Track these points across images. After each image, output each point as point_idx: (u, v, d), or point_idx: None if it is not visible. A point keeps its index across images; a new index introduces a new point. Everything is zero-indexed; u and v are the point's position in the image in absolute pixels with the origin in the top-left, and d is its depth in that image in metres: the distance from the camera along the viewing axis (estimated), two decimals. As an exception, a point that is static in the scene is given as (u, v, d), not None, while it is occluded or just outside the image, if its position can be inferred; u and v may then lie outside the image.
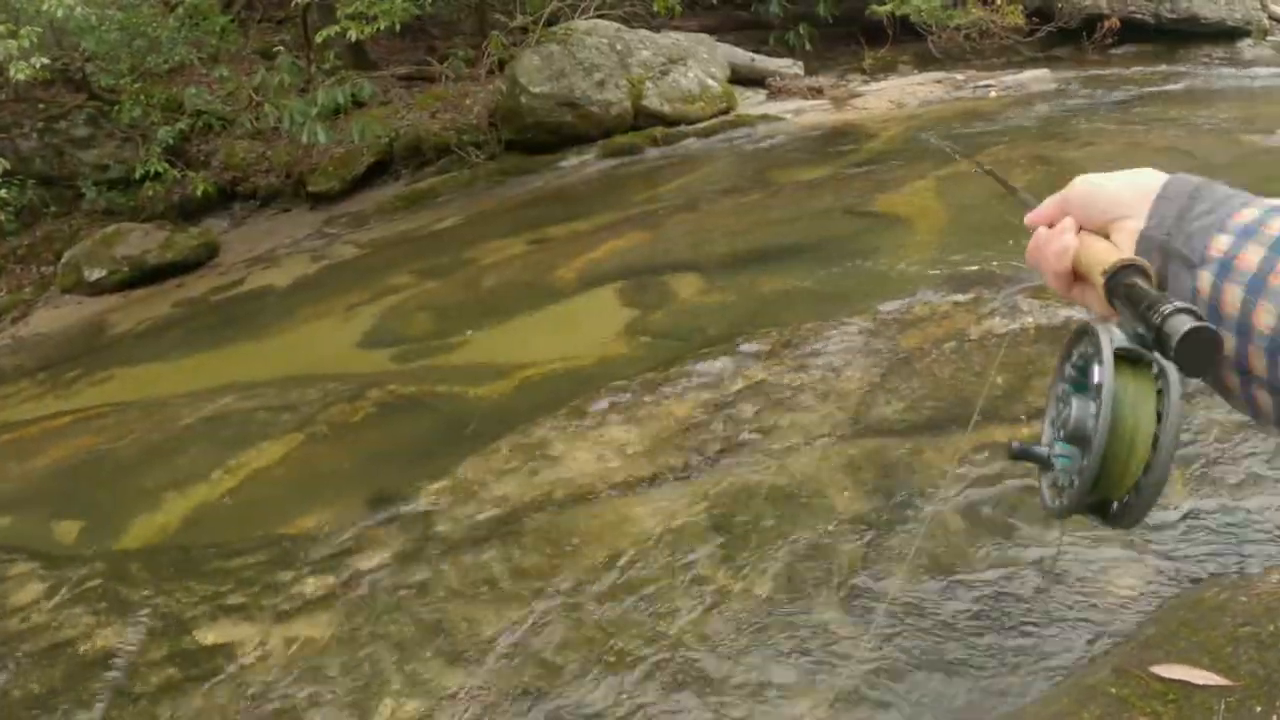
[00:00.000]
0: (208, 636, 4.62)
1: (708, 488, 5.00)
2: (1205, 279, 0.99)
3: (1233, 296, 0.96)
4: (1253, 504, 4.24)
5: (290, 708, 4.06)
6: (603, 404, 6.01)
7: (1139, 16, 15.97)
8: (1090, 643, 3.63)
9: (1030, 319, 6.11)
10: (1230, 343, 0.96)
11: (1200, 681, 3.18)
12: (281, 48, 13.76)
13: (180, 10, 12.99)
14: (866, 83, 15.55)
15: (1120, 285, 1.03)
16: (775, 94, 15.14)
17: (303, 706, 4.06)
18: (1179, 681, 3.20)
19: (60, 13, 10.26)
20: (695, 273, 8.26)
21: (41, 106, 13.68)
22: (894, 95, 14.56)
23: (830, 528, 4.54)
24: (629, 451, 5.45)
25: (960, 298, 6.65)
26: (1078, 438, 1.02)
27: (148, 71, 13.37)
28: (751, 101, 14.89)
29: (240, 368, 8.18)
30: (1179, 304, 0.94)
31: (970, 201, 9.01)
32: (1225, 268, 0.97)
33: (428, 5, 12.83)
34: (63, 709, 4.32)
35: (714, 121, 13.81)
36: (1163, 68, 14.92)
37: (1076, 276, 1.14)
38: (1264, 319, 0.93)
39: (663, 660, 3.91)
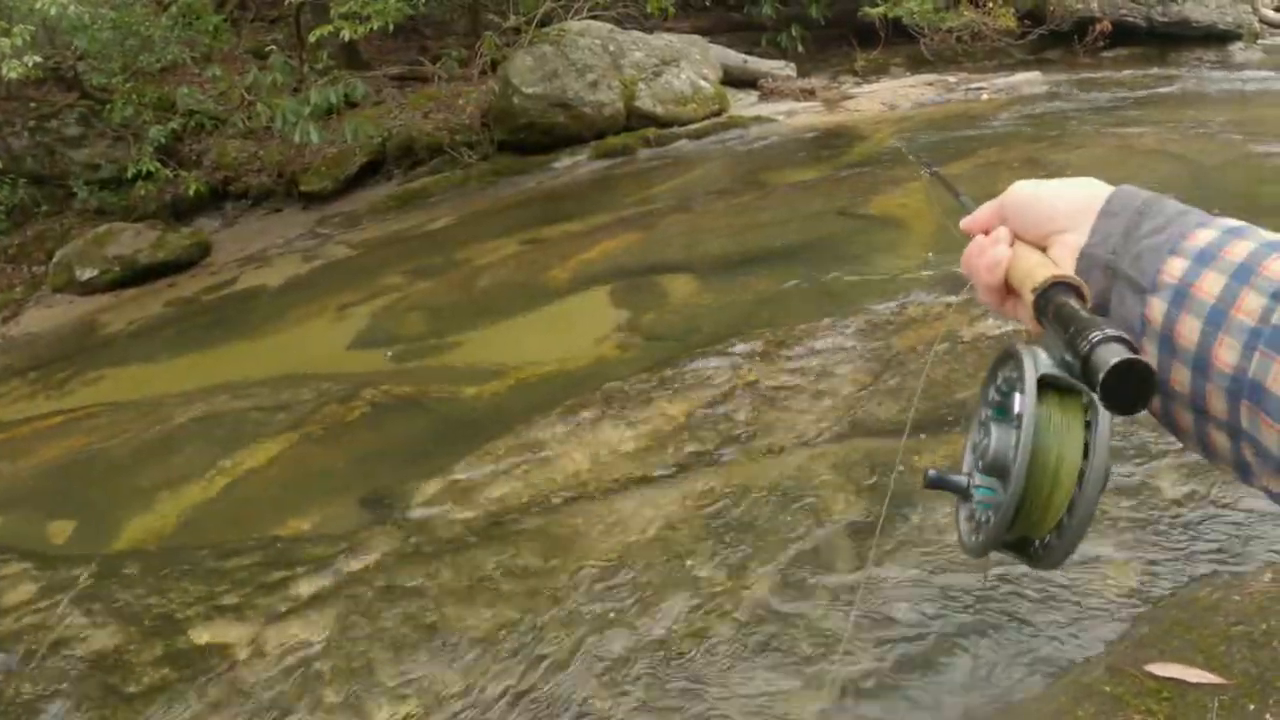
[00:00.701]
0: (201, 637, 4.61)
1: (701, 487, 5.01)
2: (1157, 307, 0.92)
3: (1189, 329, 0.89)
4: (1246, 503, 4.25)
5: (284, 708, 4.06)
6: (596, 404, 6.02)
7: (1130, 19, 16.00)
8: (1085, 641, 3.63)
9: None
10: (1184, 378, 0.90)
11: (1194, 680, 3.20)
12: (274, 47, 13.71)
13: (173, 9, 12.95)
14: (859, 84, 15.57)
15: (1050, 304, 0.97)
16: (767, 95, 15.16)
17: (297, 707, 4.05)
18: (1173, 680, 3.21)
19: (53, 11, 10.24)
20: (688, 274, 8.26)
21: (33, 105, 13.65)
22: (886, 97, 14.58)
23: (823, 528, 4.55)
24: (623, 451, 5.46)
25: (953, 299, 6.66)
26: (997, 469, 0.95)
27: (140, 70, 13.34)
28: (744, 103, 14.90)
29: (233, 368, 8.16)
30: (1110, 331, 0.87)
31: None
32: (1181, 296, 0.90)
33: (421, 5, 12.81)
34: (56, 709, 4.31)
35: (706, 123, 13.81)
36: (1154, 70, 14.97)
37: (1009, 290, 1.08)
38: (1225, 356, 0.86)
39: (657, 660, 3.91)
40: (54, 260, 11.72)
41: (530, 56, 13.42)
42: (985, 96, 14.11)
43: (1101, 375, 0.84)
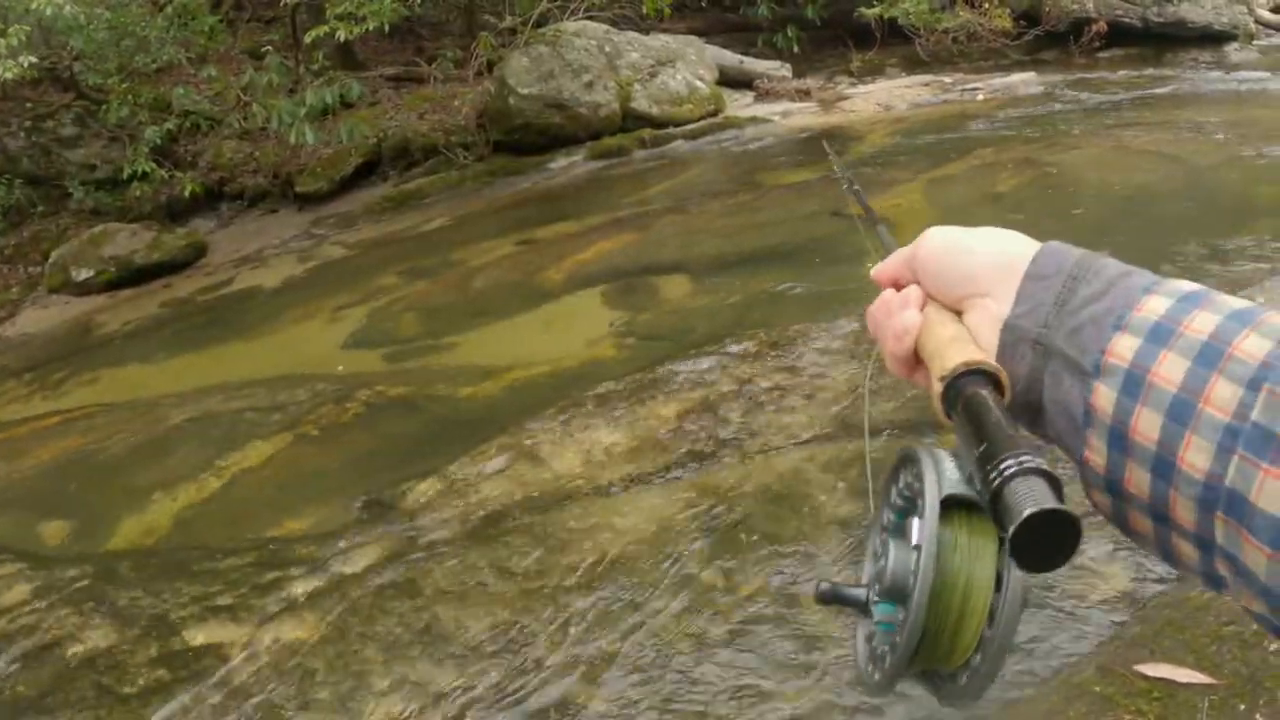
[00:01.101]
0: (196, 637, 4.62)
1: (695, 488, 5.02)
2: (1105, 395, 0.78)
3: (1148, 424, 0.75)
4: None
5: (278, 708, 4.06)
6: (590, 405, 6.02)
7: (1126, 20, 16.01)
8: (1076, 641, 3.64)
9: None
10: (1142, 481, 0.76)
11: (1184, 680, 3.20)
12: (270, 48, 13.73)
13: (169, 10, 12.96)
14: (854, 85, 15.59)
15: (960, 398, 0.84)
16: (763, 96, 15.17)
17: (290, 707, 4.06)
18: (1163, 680, 3.22)
19: (49, 11, 10.25)
20: (683, 274, 8.27)
21: (29, 105, 13.65)
22: (882, 98, 14.59)
23: (817, 528, 4.56)
24: (616, 452, 5.47)
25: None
26: (896, 593, 0.83)
27: (136, 71, 13.35)
28: (740, 103, 14.91)
29: (228, 368, 8.17)
30: (1027, 460, 0.72)
31: (959, 204, 9.05)
32: (1135, 383, 0.76)
33: (417, 6, 12.83)
34: (50, 709, 4.32)
35: (702, 123, 13.82)
36: (1149, 71, 14.98)
37: (920, 360, 0.95)
38: (1195, 459, 0.72)
39: (649, 660, 3.92)
40: (50, 261, 11.73)
41: (526, 57, 13.42)
42: (981, 97, 14.13)
43: (1011, 528, 0.69)
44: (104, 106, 12.80)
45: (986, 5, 15.37)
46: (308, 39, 12.36)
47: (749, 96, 15.24)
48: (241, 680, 4.26)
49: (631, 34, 14.64)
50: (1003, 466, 0.72)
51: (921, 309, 0.96)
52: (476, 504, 5.21)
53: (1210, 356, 0.73)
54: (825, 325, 6.58)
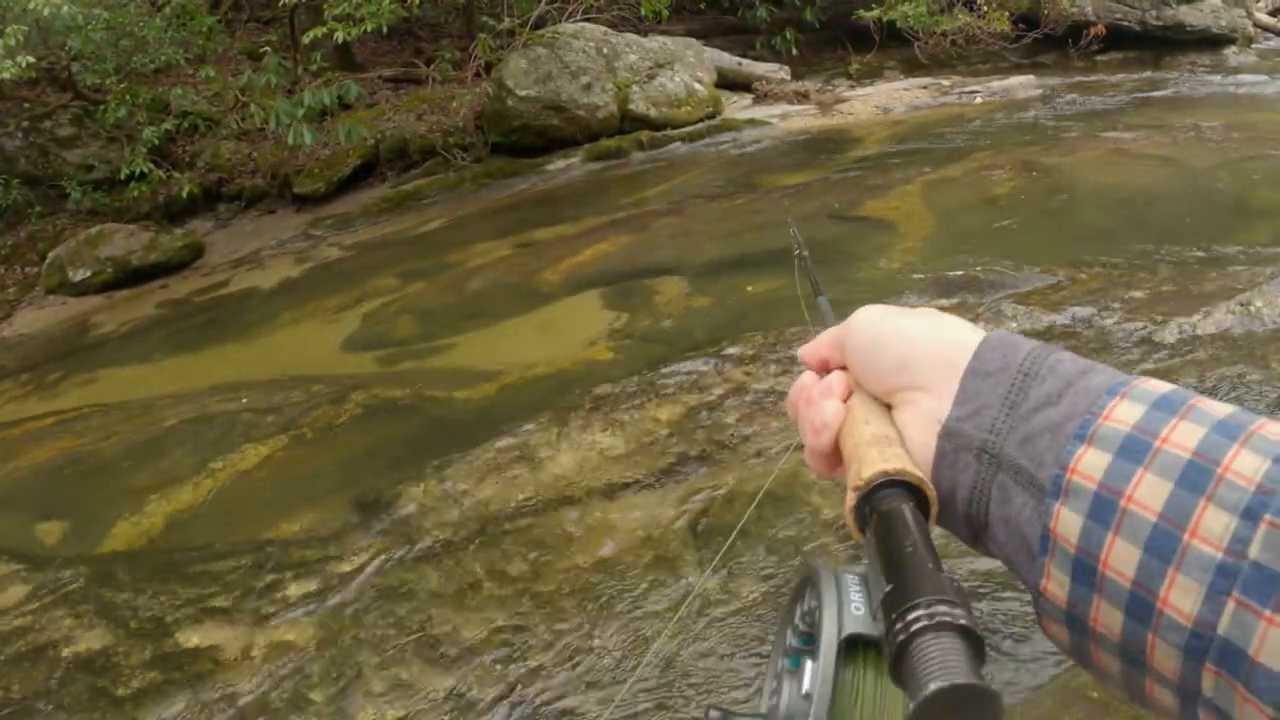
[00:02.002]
0: (190, 639, 4.61)
1: (691, 491, 5.01)
2: (1068, 521, 0.66)
3: (1123, 558, 0.64)
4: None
5: (272, 711, 4.06)
6: (586, 408, 6.02)
7: (1125, 23, 16.04)
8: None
9: (1015, 324, 6.13)
10: (1113, 621, 0.65)
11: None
12: (268, 48, 13.76)
13: (167, 10, 12.97)
14: (853, 88, 15.61)
15: (874, 515, 0.71)
16: (762, 98, 15.18)
17: (285, 709, 4.05)
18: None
19: (46, 11, 10.24)
20: (680, 277, 8.27)
21: (26, 106, 13.64)
22: (880, 100, 14.60)
23: (813, 531, 4.55)
24: (612, 455, 5.46)
25: (945, 302, 6.67)
26: None
27: (133, 71, 13.35)
28: (738, 105, 14.92)
29: (224, 370, 8.16)
30: (943, 610, 0.60)
31: (956, 207, 9.05)
32: (1105, 508, 0.65)
33: (415, 7, 12.82)
34: (44, 711, 4.31)
35: (700, 125, 13.84)
36: (1148, 74, 15.01)
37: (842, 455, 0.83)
38: (1181, 601, 0.61)
39: (645, 663, 3.91)
40: (47, 261, 11.73)
41: (524, 59, 13.43)
42: (979, 100, 14.14)
43: (913, 703, 0.56)
44: (102, 107, 12.80)
45: (985, 8, 15.38)
46: (306, 40, 12.38)
47: (747, 99, 15.25)
48: (236, 682, 4.25)
49: (630, 36, 14.65)
50: (910, 618, 0.59)
51: (846, 399, 0.85)
52: (472, 507, 5.20)
53: (1196, 478, 0.62)
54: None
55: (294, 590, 4.80)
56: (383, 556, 4.93)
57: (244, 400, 7.24)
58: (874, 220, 9.00)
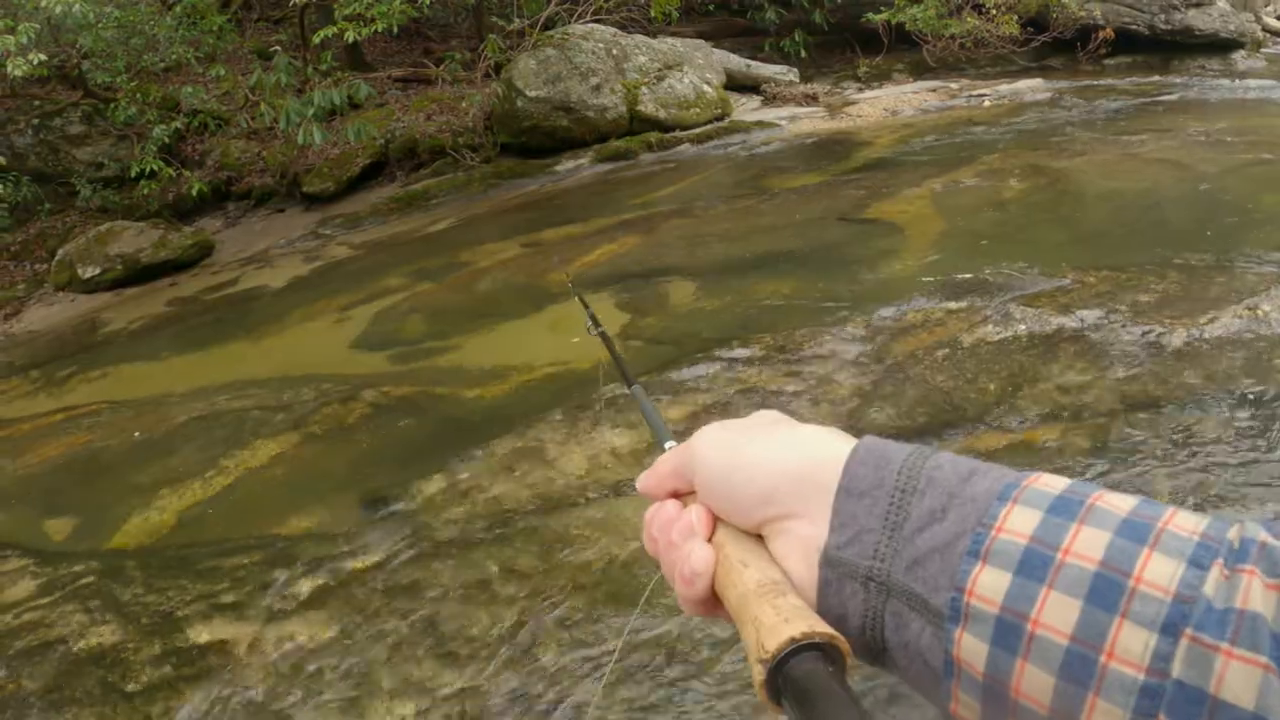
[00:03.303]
0: (201, 635, 4.62)
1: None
2: (971, 647, 0.62)
3: (1036, 685, 0.59)
4: (1239, 506, 4.27)
5: (283, 707, 4.07)
6: (596, 407, 6.02)
7: (1133, 27, 16.04)
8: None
9: (1023, 327, 6.14)
10: None
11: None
12: (278, 48, 13.77)
13: (177, 9, 13.01)
14: (861, 90, 15.63)
15: (791, 687, 0.65)
16: (770, 100, 15.20)
17: (296, 706, 4.06)
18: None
19: (58, 9, 10.27)
20: (689, 278, 8.27)
21: (37, 103, 13.68)
22: (888, 103, 14.61)
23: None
24: (623, 454, 5.47)
25: (954, 305, 6.68)
26: None
27: (144, 70, 13.39)
28: (746, 107, 14.94)
29: (234, 367, 8.18)
30: None
31: (964, 210, 9.05)
32: (1010, 634, 0.60)
33: (425, 8, 12.84)
34: (55, 706, 4.32)
35: (709, 127, 13.85)
36: (1156, 78, 15.01)
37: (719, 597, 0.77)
38: None
39: (656, 662, 3.92)
40: (56, 258, 11.77)
41: (534, 59, 13.45)
42: (987, 103, 14.15)
43: None
44: (112, 105, 12.85)
45: (994, 12, 15.37)
46: (316, 39, 12.40)
47: (756, 100, 15.27)
48: (246, 678, 4.26)
49: (639, 37, 14.67)
50: None
51: (711, 534, 0.77)
52: (483, 505, 5.21)
53: (1107, 593, 0.58)
54: (832, 330, 6.58)
55: (305, 586, 4.81)
56: (393, 553, 4.94)
57: (254, 398, 7.25)
58: (882, 223, 9.01)
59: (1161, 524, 0.60)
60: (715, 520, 0.78)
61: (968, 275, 7.16)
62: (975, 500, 0.65)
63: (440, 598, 4.55)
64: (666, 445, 0.99)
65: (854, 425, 5.41)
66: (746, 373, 6.21)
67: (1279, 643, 0.54)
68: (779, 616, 0.67)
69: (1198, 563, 0.57)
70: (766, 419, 0.80)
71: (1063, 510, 0.62)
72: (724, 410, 5.76)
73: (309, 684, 4.17)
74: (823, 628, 0.66)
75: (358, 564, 4.92)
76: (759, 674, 0.66)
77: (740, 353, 6.49)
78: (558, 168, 13.15)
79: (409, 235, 11.51)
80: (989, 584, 0.61)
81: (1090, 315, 6.23)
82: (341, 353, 8.11)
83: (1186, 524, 0.60)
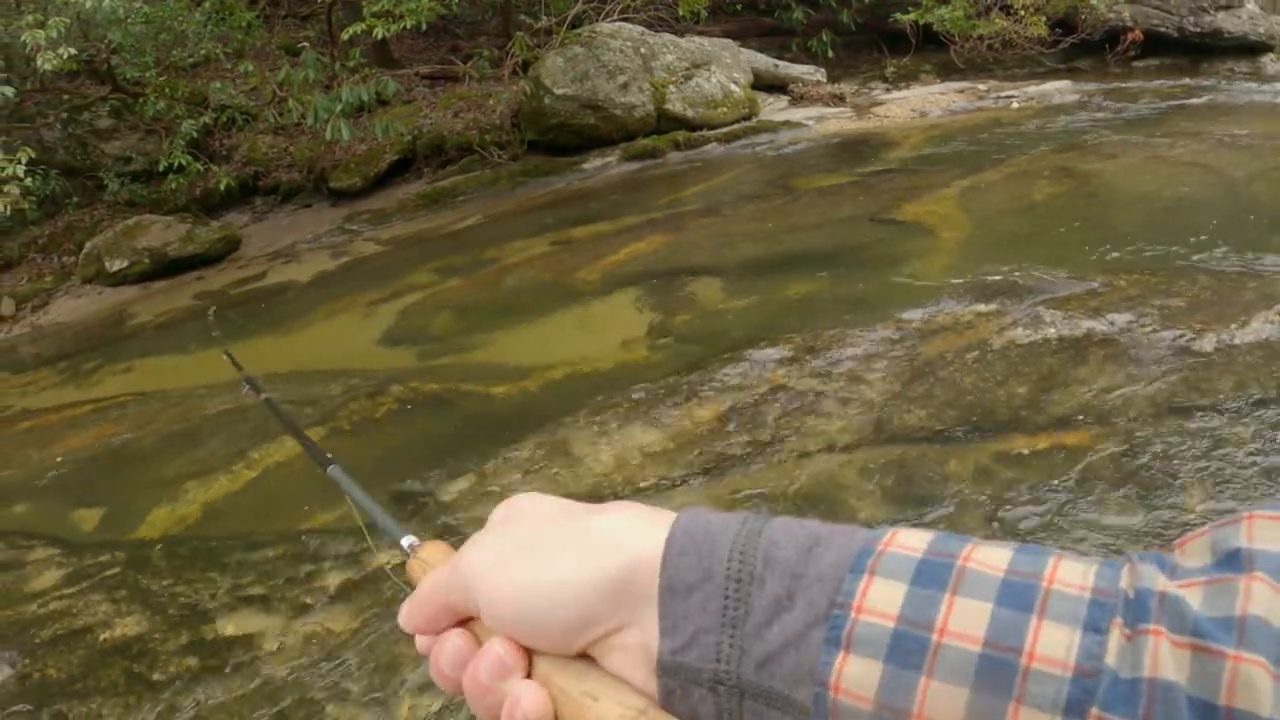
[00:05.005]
0: (227, 627, 4.63)
1: (728, 490, 5.01)
2: None
3: None
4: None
5: (310, 700, 4.07)
6: (624, 405, 6.02)
7: (1162, 29, 15.96)
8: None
9: (1053, 330, 6.11)
10: None
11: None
12: (306, 44, 13.76)
13: (206, 5, 13.04)
14: (888, 91, 15.58)
15: None
16: (797, 100, 15.16)
17: (322, 699, 4.07)
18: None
19: (88, 4, 10.30)
20: (717, 277, 8.26)
21: (66, 98, 13.73)
22: (916, 104, 14.57)
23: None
24: (651, 453, 5.46)
25: (983, 307, 6.65)
26: None
27: (172, 65, 13.44)
28: (774, 107, 14.91)
29: (261, 362, 8.19)
30: None
31: (993, 211, 9.02)
32: None
33: (453, 5, 12.84)
34: (80, 695, 4.34)
35: (736, 127, 13.82)
36: (1185, 81, 14.93)
37: None
38: None
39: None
40: (84, 251, 11.80)
41: (562, 58, 13.44)
42: (1015, 105, 14.10)
43: None
44: (140, 100, 12.89)
45: (1022, 13, 15.31)
46: (344, 36, 12.40)
47: (783, 100, 15.23)
48: (273, 671, 4.27)
49: (667, 36, 14.65)
50: None
51: (529, 666, 0.65)
52: (511, 501, 5.20)
53: (996, 677, 0.51)
54: (860, 330, 6.56)
55: (331, 580, 4.82)
56: (420, 549, 4.94)
57: (281, 392, 7.26)
58: (911, 224, 8.98)
59: (1046, 583, 0.53)
60: (525, 648, 0.65)
61: (997, 277, 7.14)
62: (824, 578, 0.56)
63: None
64: (404, 543, 0.86)
65: (883, 425, 5.40)
66: (776, 373, 6.20)
67: (1197, 710, 0.48)
68: None
69: (1095, 626, 0.51)
70: (544, 512, 0.69)
71: (929, 579, 0.54)
72: (754, 410, 5.75)
73: (336, 677, 4.17)
74: None
75: (385, 559, 4.91)
76: None
77: (769, 353, 6.48)
78: (585, 165, 13.15)
79: (436, 232, 11.52)
80: (857, 677, 0.53)
81: (1120, 319, 6.20)
82: (369, 348, 8.12)
83: (1074, 578, 0.53)
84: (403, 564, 0.86)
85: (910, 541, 0.57)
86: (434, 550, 0.84)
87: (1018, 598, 0.52)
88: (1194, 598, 0.51)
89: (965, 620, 0.52)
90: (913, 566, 0.55)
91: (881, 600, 0.54)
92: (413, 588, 0.75)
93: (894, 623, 0.53)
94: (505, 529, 0.69)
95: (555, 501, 0.70)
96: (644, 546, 0.61)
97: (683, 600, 0.59)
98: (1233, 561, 0.52)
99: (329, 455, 1.10)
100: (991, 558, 0.55)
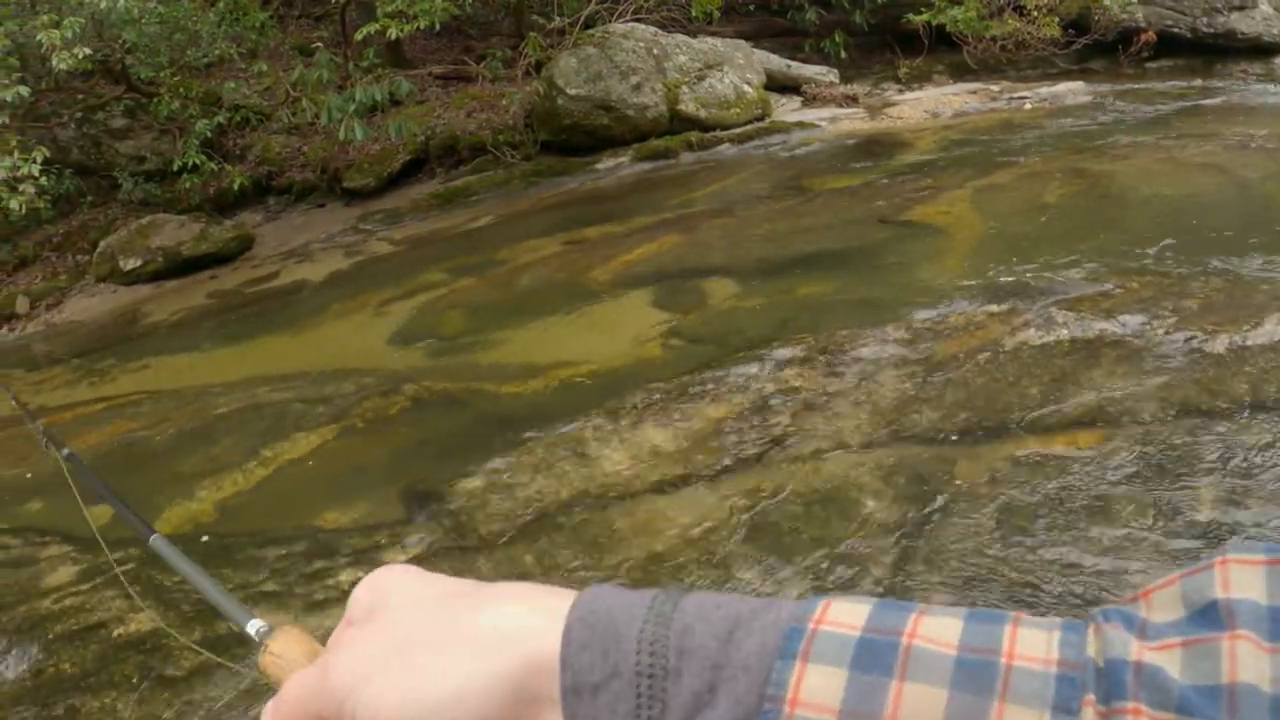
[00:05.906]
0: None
1: (741, 490, 5.01)
2: None
3: None
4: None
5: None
6: (637, 405, 6.02)
7: (1175, 30, 15.91)
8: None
9: (1065, 331, 6.11)
10: None
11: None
12: (320, 44, 13.78)
13: (220, 5, 13.06)
14: (901, 91, 15.55)
15: None
16: (810, 101, 15.14)
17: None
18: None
19: (103, 4, 10.33)
20: (729, 277, 8.26)
21: (80, 97, 13.76)
22: (929, 105, 14.55)
23: (862, 533, 4.55)
24: (663, 452, 5.47)
25: (995, 308, 6.64)
26: None
27: (186, 65, 13.45)
28: (787, 108, 14.90)
29: (274, 360, 8.22)
30: None
31: (1006, 212, 9.01)
32: None
33: (467, 5, 12.85)
34: (94, 689, 4.35)
35: (749, 127, 13.81)
36: (1198, 82, 14.88)
37: None
38: None
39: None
40: (98, 250, 11.84)
41: (575, 58, 13.44)
42: (1028, 106, 14.07)
43: None
44: (154, 99, 12.92)
45: (1035, 14, 15.28)
46: (358, 36, 12.43)
47: (796, 101, 15.22)
48: (286, 668, 4.28)
49: (679, 36, 14.64)
50: None
51: None
52: (523, 500, 5.22)
53: None
54: (873, 331, 6.56)
55: (345, 577, 4.83)
56: (433, 546, 4.96)
57: (294, 390, 7.28)
58: (923, 225, 8.97)
59: (1005, 658, 0.47)
60: None
61: (1009, 278, 7.13)
62: (749, 667, 0.50)
63: (480, 591, 4.55)
64: (250, 628, 0.78)
65: (895, 426, 5.40)
66: (788, 373, 6.20)
67: None
68: None
69: (1065, 707, 0.46)
70: (415, 601, 0.61)
71: (871, 662, 0.48)
72: (766, 410, 5.75)
73: (348, 675, 4.18)
74: None
75: (398, 557, 4.93)
76: None
77: (782, 353, 6.48)
78: (598, 166, 13.15)
79: (449, 231, 11.54)
80: None
81: (1133, 320, 6.19)
82: (382, 347, 8.13)
83: (1035, 649, 0.48)
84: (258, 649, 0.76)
85: (845, 617, 0.51)
86: (290, 642, 0.78)
87: (975, 679, 0.47)
88: (1173, 665, 0.47)
89: (917, 711, 0.46)
90: (851, 648, 0.49)
91: (818, 691, 0.48)
92: (271, 682, 0.69)
93: (835, 718, 0.47)
94: (377, 628, 0.61)
95: (426, 583, 0.63)
96: (541, 643, 0.55)
97: (589, 702, 0.53)
98: (1210, 616, 0.48)
99: (152, 527, 0.99)
100: (940, 631, 0.49)
